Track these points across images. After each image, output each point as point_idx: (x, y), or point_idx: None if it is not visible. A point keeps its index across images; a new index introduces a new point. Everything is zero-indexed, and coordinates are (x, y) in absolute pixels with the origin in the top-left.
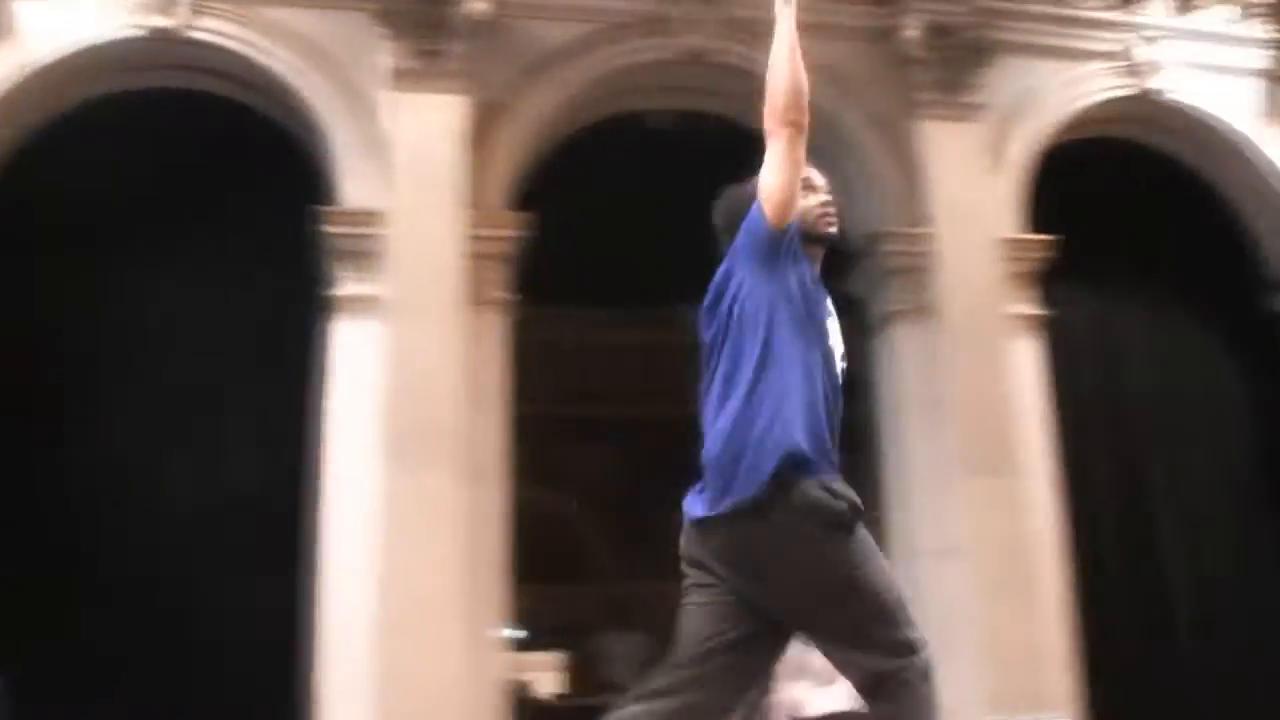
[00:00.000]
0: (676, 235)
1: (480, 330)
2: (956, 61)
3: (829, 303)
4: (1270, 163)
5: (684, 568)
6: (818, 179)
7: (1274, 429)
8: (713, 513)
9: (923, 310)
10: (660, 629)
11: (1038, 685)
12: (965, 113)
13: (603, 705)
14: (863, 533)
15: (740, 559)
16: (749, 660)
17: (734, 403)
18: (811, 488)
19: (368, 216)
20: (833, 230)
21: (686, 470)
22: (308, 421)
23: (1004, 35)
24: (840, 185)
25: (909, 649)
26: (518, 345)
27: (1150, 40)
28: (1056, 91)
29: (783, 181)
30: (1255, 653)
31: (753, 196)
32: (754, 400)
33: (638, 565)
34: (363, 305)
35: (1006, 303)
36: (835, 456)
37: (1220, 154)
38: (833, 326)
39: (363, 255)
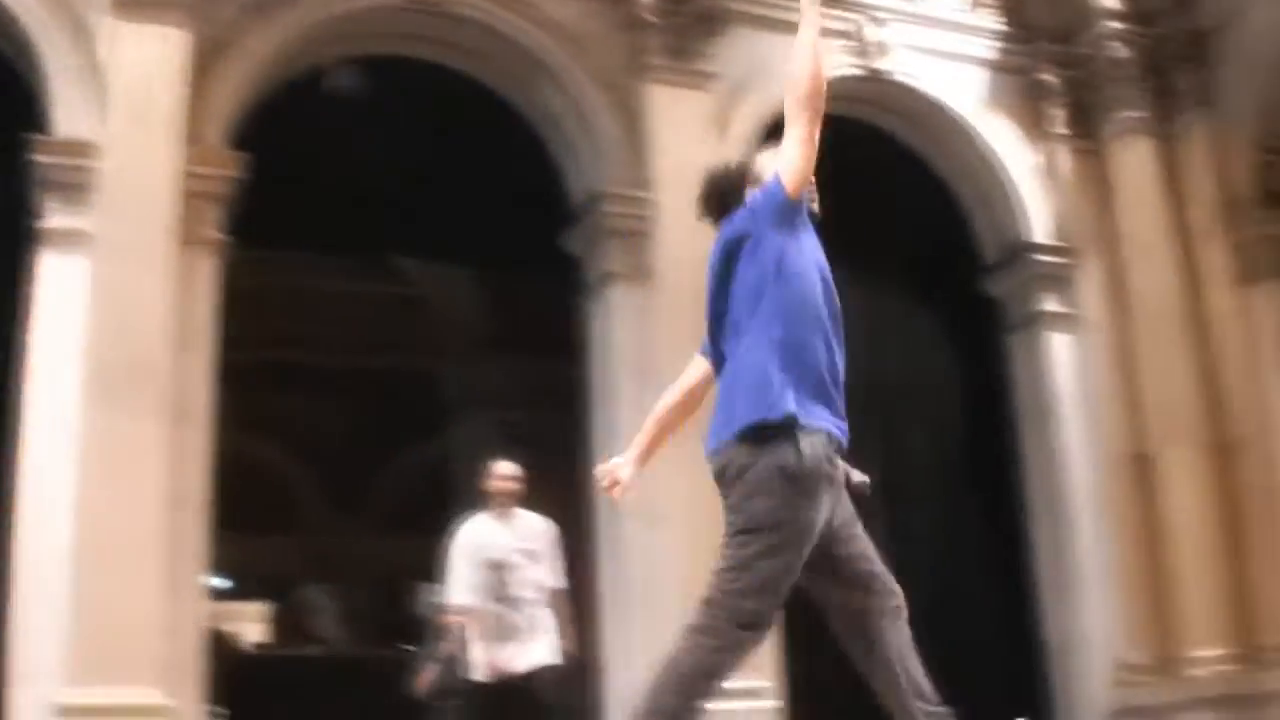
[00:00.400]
0: (398, 186)
1: (191, 270)
2: (688, 29)
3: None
4: (991, 150)
5: None
6: None
7: (981, 409)
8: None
9: (640, 273)
10: (367, 583)
11: None
12: (695, 80)
13: (305, 657)
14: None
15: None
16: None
17: (741, 350)
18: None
19: (80, 147)
20: (815, 208)
21: (402, 424)
22: (11, 355)
23: (737, 6)
24: (564, 144)
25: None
26: (230, 288)
27: (881, 22)
28: (784, 67)
29: (804, 158)
30: (955, 629)
31: (742, 175)
32: (757, 348)
33: (347, 519)
34: (71, 239)
35: None
36: (838, 404)
37: (944, 139)
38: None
39: (73, 187)
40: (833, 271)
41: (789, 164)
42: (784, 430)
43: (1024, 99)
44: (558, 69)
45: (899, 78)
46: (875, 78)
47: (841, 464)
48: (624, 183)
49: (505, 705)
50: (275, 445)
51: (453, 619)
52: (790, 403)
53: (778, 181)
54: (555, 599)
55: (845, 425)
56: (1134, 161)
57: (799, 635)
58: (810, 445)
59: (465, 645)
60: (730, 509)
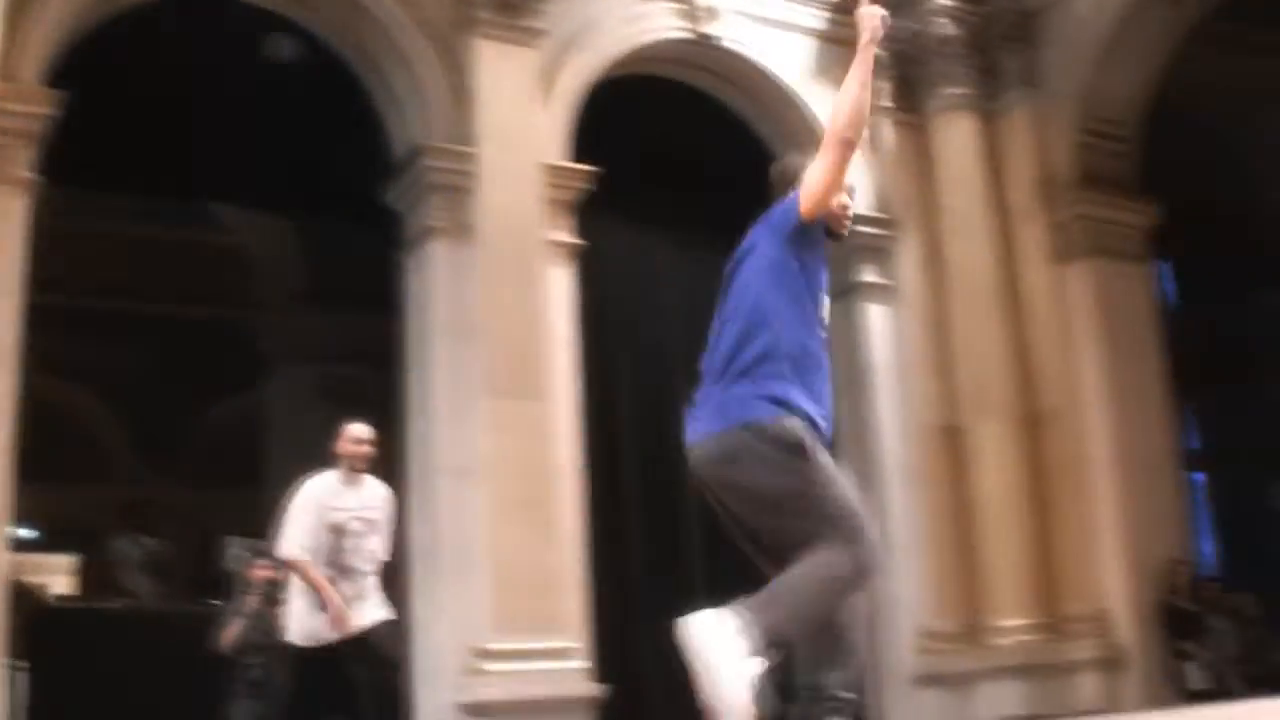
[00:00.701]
0: (219, 132)
1: (1, 210)
2: None
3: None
4: (816, 119)
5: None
6: (849, 183)
7: None
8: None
9: (461, 230)
10: (177, 535)
11: (548, 608)
12: (523, 37)
13: (111, 610)
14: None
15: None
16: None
17: (729, 349)
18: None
19: None
20: (844, 232)
21: (217, 376)
22: None
23: None
24: (389, 96)
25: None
26: (42, 230)
27: None
28: (615, 27)
29: (824, 186)
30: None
31: (796, 173)
32: (747, 352)
33: (158, 470)
34: None
35: (544, 229)
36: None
37: (770, 106)
38: (825, 304)
39: None
40: (654, 236)
41: (810, 188)
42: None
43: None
44: (385, 20)
45: (727, 44)
46: (703, 42)
47: None
48: (447, 137)
49: (332, 664)
50: (86, 393)
51: (260, 574)
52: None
53: (795, 202)
54: (381, 571)
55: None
56: (956, 138)
57: (604, 595)
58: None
59: (277, 602)
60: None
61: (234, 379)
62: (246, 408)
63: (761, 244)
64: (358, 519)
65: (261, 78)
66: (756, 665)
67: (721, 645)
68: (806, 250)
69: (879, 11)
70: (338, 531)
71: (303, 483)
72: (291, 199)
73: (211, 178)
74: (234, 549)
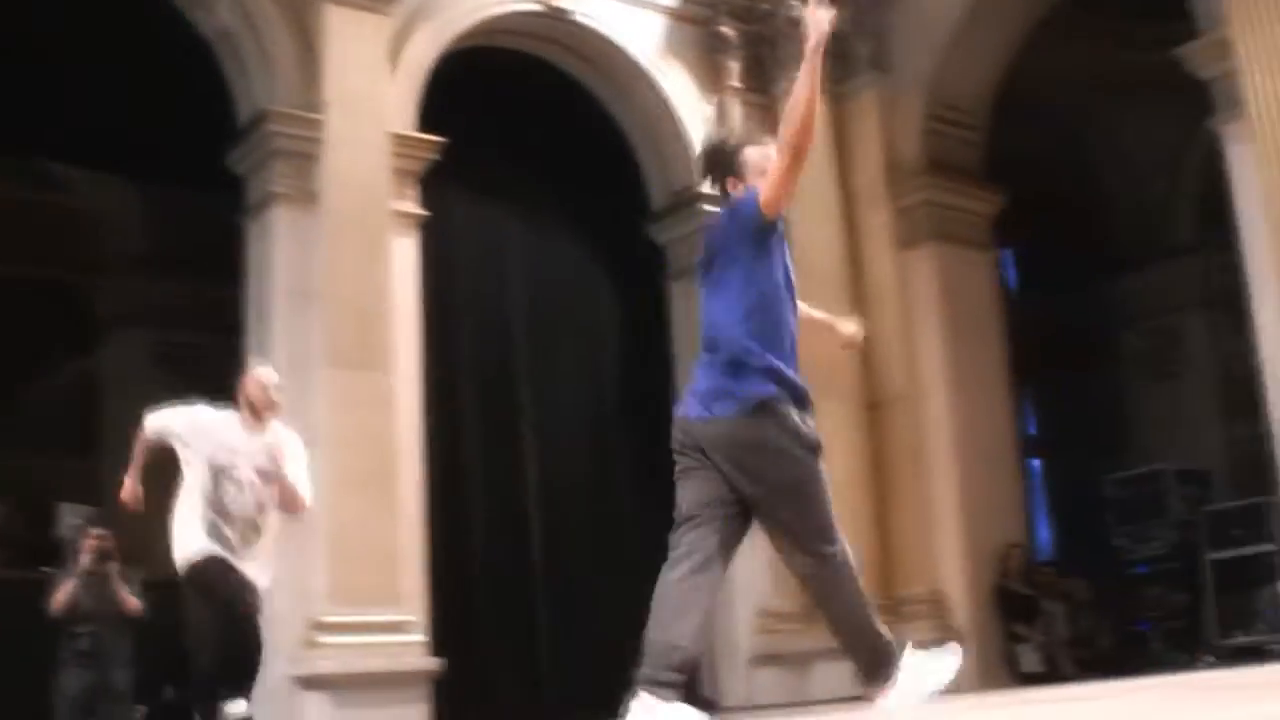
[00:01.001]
0: (60, 89)
1: None
2: None
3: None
4: (665, 98)
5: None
6: None
7: (638, 353)
8: (707, 415)
9: (305, 197)
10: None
11: (386, 581)
12: (374, 4)
13: None
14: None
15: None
16: (730, 528)
17: (723, 343)
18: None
19: None
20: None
21: (52, 339)
22: None
23: None
24: (235, 59)
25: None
26: None
27: None
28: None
29: (779, 189)
30: (601, 565)
31: (734, 156)
32: (735, 344)
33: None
34: None
35: (390, 199)
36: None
37: (621, 82)
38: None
39: None
40: (500, 209)
41: (768, 190)
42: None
43: (702, 50)
44: None
45: (579, 18)
46: (555, 16)
47: None
48: (294, 103)
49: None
50: None
51: (92, 542)
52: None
53: (755, 203)
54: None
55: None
56: None
57: (443, 570)
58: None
59: (109, 570)
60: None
61: (70, 343)
62: (82, 372)
63: (742, 243)
64: (252, 468)
65: (107, 38)
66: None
67: None
68: (776, 244)
69: (828, 15)
70: (223, 474)
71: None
72: (135, 162)
73: (52, 138)
74: (68, 516)
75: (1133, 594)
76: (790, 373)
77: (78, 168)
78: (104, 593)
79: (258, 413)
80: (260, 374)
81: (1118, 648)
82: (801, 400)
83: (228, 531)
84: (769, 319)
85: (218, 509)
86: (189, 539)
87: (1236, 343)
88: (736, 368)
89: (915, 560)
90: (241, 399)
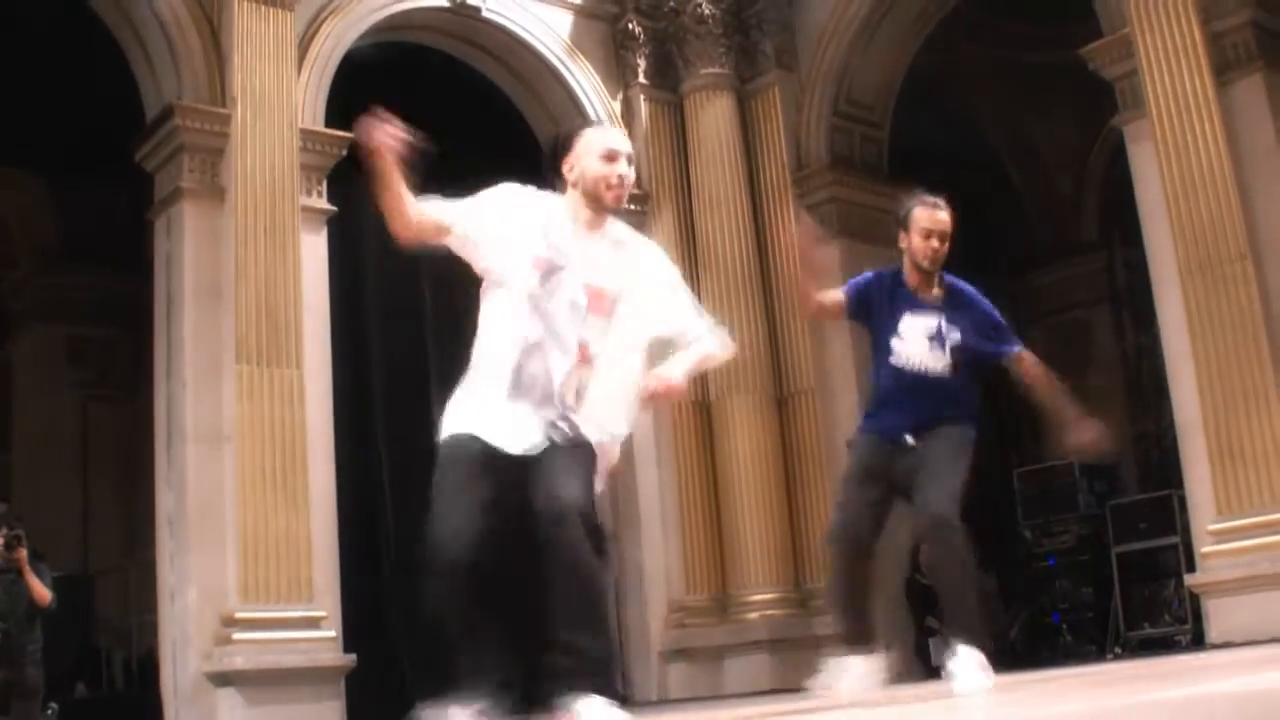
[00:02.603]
0: None
1: None
2: None
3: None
4: (573, 94)
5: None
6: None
7: None
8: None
9: (213, 192)
10: None
11: (297, 576)
12: None
13: None
14: None
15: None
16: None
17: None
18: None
19: None
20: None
21: None
22: None
23: None
24: (142, 53)
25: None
26: None
27: None
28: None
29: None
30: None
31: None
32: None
33: None
34: None
35: (299, 194)
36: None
37: (529, 79)
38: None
39: None
40: None
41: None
42: None
43: (609, 46)
44: None
45: (486, 14)
46: (462, 12)
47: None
48: (201, 98)
49: None
50: None
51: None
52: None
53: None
54: None
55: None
56: (712, 117)
57: (354, 565)
58: None
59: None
60: None
61: None
62: None
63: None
64: None
65: (14, 31)
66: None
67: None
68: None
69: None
70: None
71: None
72: (43, 156)
73: None
74: None
75: (1042, 586)
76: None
77: None
78: (14, 587)
79: None
80: None
81: (1028, 640)
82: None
83: None
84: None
85: None
86: None
87: (1141, 338)
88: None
89: (824, 552)
90: None
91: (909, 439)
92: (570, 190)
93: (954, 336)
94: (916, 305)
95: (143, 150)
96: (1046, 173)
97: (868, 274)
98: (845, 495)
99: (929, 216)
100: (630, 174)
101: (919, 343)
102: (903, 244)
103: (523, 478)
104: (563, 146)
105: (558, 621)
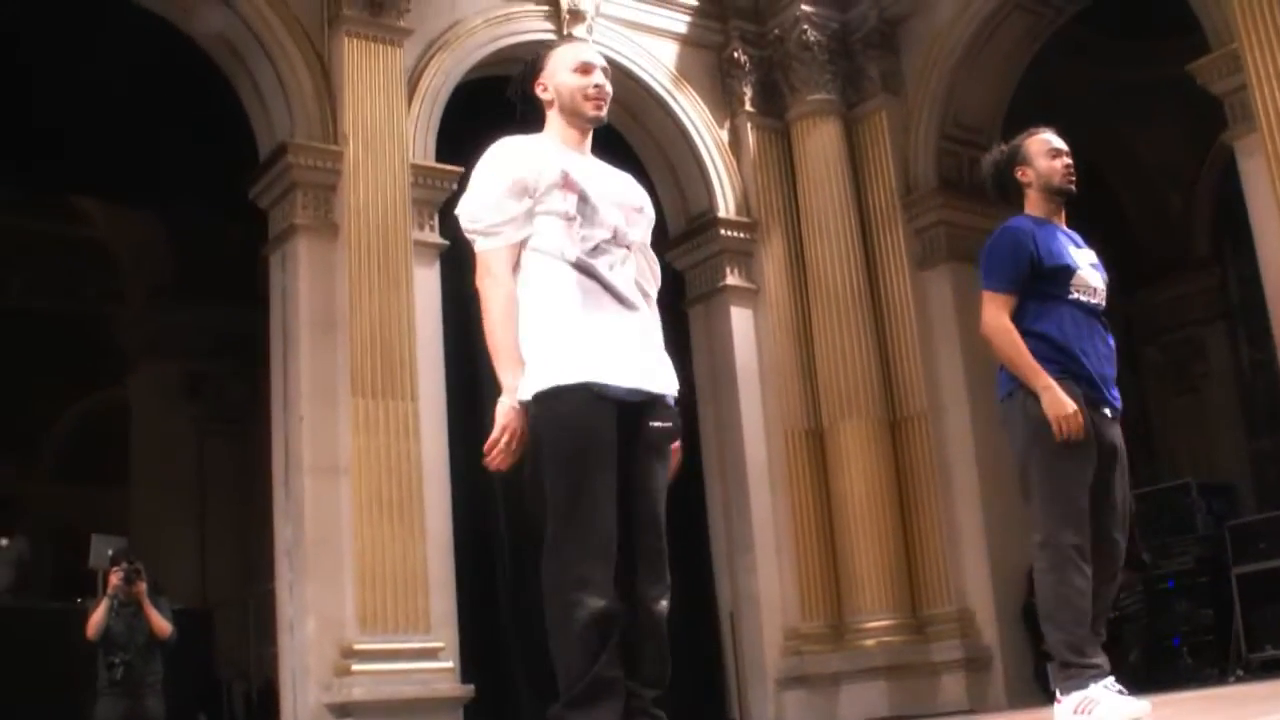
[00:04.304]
0: (81, 122)
1: None
2: None
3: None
4: (679, 123)
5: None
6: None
7: None
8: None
9: (326, 227)
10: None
11: (415, 607)
12: (389, 35)
13: None
14: None
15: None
16: None
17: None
18: None
19: None
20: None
21: (80, 370)
22: None
23: None
24: (253, 93)
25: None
26: None
27: None
28: (482, 29)
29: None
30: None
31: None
32: None
33: (19, 465)
34: None
35: (410, 228)
36: None
37: (635, 108)
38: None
39: None
40: None
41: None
42: None
43: (715, 75)
44: (251, 16)
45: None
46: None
47: None
48: (313, 135)
49: None
50: None
51: (122, 569)
52: None
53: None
54: None
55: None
56: (819, 142)
57: (472, 595)
58: None
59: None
60: None
61: (97, 374)
62: (110, 404)
63: None
64: None
65: (129, 71)
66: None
67: None
68: None
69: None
70: None
71: None
72: (157, 193)
73: (77, 170)
74: (99, 546)
75: (1161, 609)
76: None
77: (102, 200)
78: (135, 620)
79: None
80: None
81: (1148, 663)
82: None
83: None
84: None
85: None
86: None
87: (1258, 354)
88: None
89: (940, 578)
90: None
91: (1112, 406)
92: (549, 113)
93: (1103, 270)
94: (1067, 236)
95: (256, 188)
96: (1156, 190)
97: (1006, 234)
98: (1066, 480)
99: (1047, 139)
100: (608, 85)
101: (1090, 273)
102: (1026, 179)
103: None
104: (533, 69)
105: None
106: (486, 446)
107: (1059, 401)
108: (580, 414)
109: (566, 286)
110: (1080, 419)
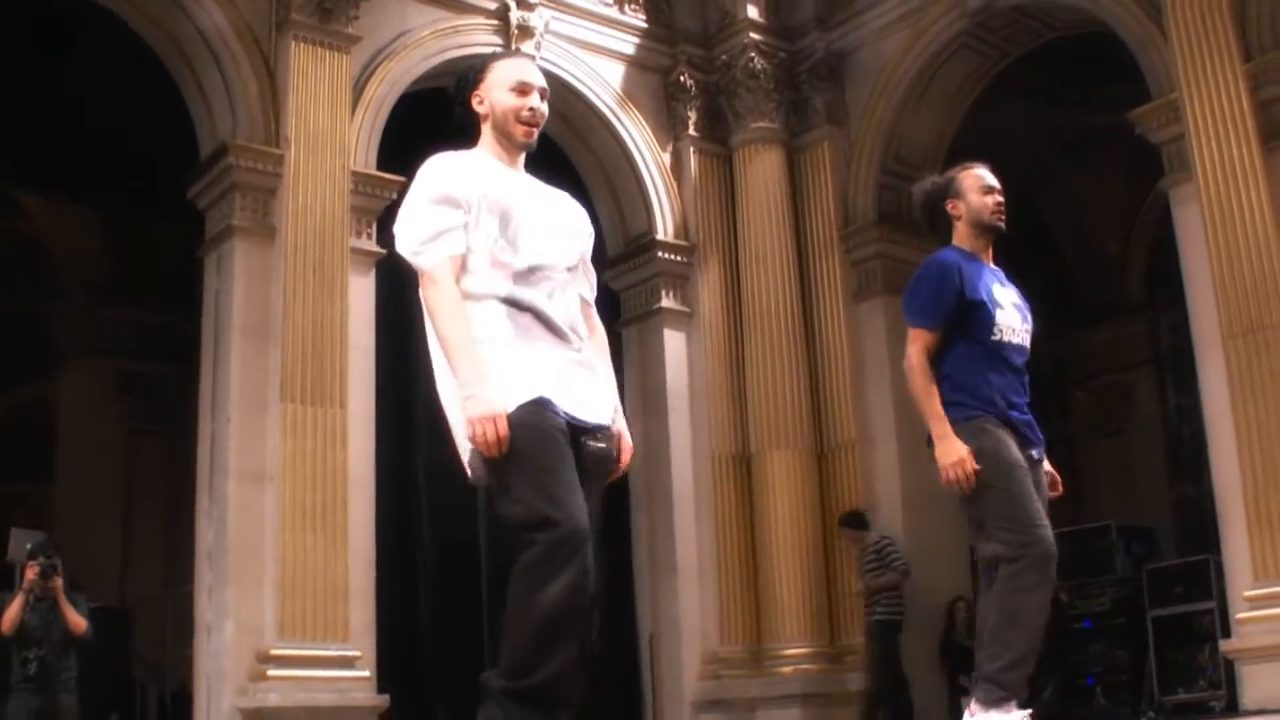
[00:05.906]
0: (17, 116)
1: None
2: None
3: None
4: (623, 145)
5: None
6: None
7: None
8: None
9: (264, 231)
10: None
11: (334, 615)
12: (337, 42)
13: None
14: None
15: None
16: None
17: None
18: None
19: None
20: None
21: (9, 365)
22: None
23: None
24: (197, 93)
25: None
26: None
27: (529, 6)
28: (430, 39)
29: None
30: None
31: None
32: None
33: None
34: None
35: (349, 235)
36: None
37: (580, 128)
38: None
39: None
40: None
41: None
42: None
43: (661, 98)
44: (199, 16)
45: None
46: None
47: None
48: (255, 137)
49: None
50: None
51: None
52: None
53: None
54: None
55: None
56: (761, 170)
57: (392, 605)
58: None
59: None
60: None
61: (26, 369)
62: (37, 398)
63: None
64: None
65: (67, 61)
66: None
67: None
68: None
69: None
70: None
71: None
72: (96, 190)
73: (13, 163)
74: (18, 540)
75: (1077, 649)
76: None
77: (39, 195)
78: (50, 615)
79: None
80: None
81: (1062, 700)
82: None
83: None
84: None
85: None
86: None
87: (1183, 402)
88: None
89: (860, 609)
90: None
91: (1036, 450)
92: (484, 127)
93: (1028, 312)
94: (992, 273)
95: (196, 187)
96: (1093, 234)
97: (932, 267)
98: (1019, 492)
99: (981, 174)
100: (543, 108)
101: (1012, 314)
102: (956, 213)
103: None
104: (473, 79)
105: None
106: (472, 437)
107: (948, 451)
108: (538, 416)
109: (497, 323)
110: (968, 465)
